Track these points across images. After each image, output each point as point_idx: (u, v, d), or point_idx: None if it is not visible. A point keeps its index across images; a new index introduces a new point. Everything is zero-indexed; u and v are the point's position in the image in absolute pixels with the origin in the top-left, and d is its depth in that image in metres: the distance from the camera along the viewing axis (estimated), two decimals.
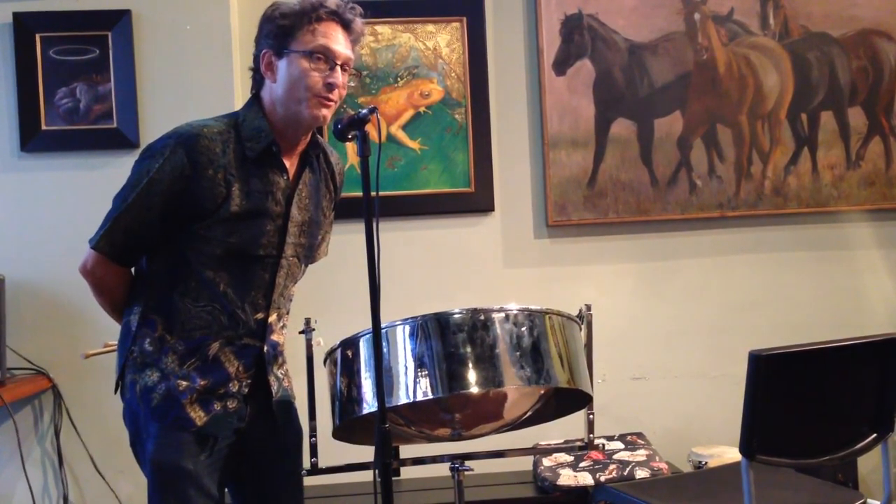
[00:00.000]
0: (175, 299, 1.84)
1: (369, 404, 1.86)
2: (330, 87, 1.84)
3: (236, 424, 1.90)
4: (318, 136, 1.98)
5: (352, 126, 1.75)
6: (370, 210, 1.69)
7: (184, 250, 1.84)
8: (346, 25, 1.88)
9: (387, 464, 1.65)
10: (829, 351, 2.02)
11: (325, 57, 1.84)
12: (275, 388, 1.95)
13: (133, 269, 1.93)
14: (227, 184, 1.81)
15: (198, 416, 1.84)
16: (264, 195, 1.86)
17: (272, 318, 1.93)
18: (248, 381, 1.90)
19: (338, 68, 1.85)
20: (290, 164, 1.92)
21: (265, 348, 1.92)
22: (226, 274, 1.85)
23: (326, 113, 1.86)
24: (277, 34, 1.85)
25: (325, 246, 2.10)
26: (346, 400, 1.93)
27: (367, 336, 1.88)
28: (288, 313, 2.01)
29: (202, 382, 1.84)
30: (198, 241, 1.83)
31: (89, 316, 2.98)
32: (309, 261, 2.03)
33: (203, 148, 1.80)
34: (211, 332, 1.85)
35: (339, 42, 1.86)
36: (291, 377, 2.09)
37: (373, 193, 1.70)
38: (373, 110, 1.73)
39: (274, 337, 1.95)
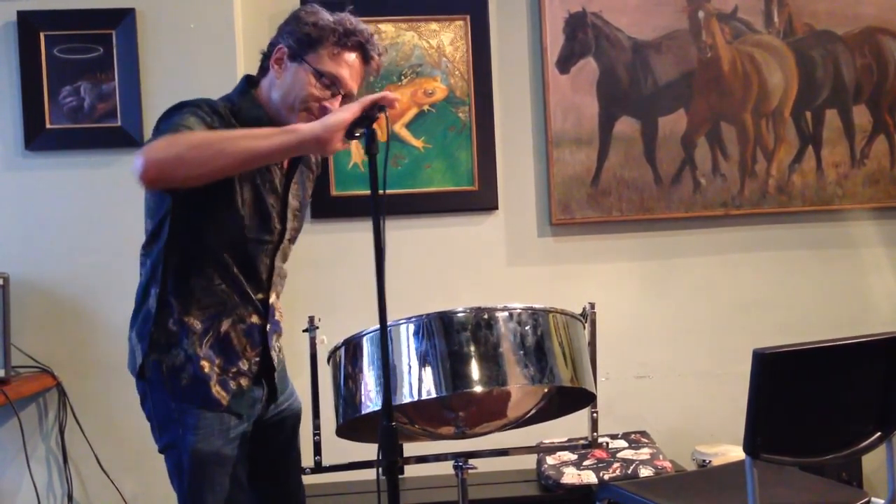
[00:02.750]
0: (191, 280, 1.86)
1: (372, 403, 1.86)
2: (324, 110, 1.85)
3: (256, 408, 1.94)
4: None
5: (360, 123, 1.74)
6: (378, 208, 1.68)
7: (204, 234, 1.84)
8: (367, 61, 1.90)
9: (393, 462, 1.65)
10: (833, 349, 2.02)
11: (333, 83, 1.86)
12: (275, 361, 2.00)
13: (149, 255, 1.91)
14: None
15: (221, 396, 1.87)
16: (264, 184, 1.89)
17: (272, 298, 1.97)
18: (257, 360, 1.94)
19: (339, 97, 1.87)
20: None
21: (268, 327, 1.95)
22: (238, 257, 1.88)
23: None
24: (301, 39, 1.86)
25: None
26: (349, 398, 1.93)
27: (370, 335, 1.88)
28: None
29: (218, 361, 1.87)
30: (216, 225, 1.84)
31: (94, 314, 2.99)
32: (295, 242, 2.07)
33: (222, 119, 1.82)
34: (224, 308, 1.88)
35: (352, 74, 1.88)
36: (294, 375, 2.13)
37: (380, 192, 1.69)
38: (382, 108, 1.72)
39: (276, 317, 1.99)
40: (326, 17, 1.87)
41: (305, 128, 1.70)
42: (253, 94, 1.92)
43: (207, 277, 1.86)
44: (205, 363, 1.86)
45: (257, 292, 1.93)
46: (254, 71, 1.98)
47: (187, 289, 1.86)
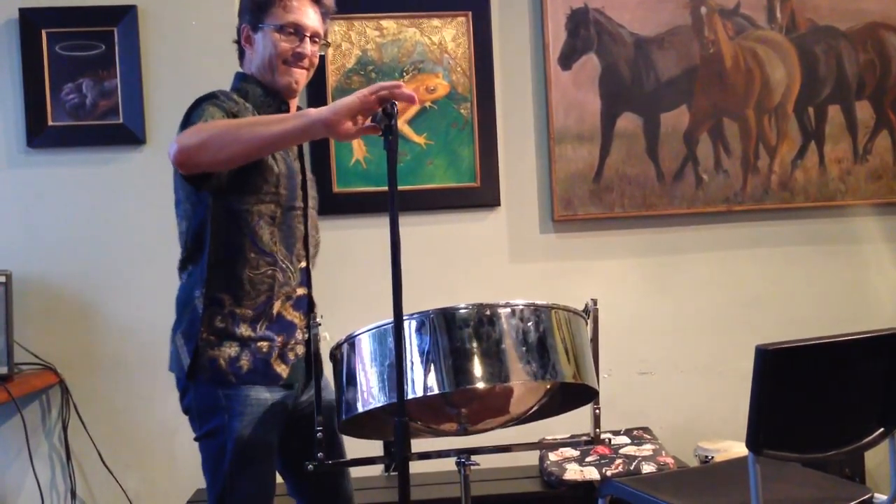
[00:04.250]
0: (238, 273, 1.93)
1: (375, 399, 1.86)
2: (299, 55, 1.99)
3: (300, 380, 2.04)
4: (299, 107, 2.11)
5: (375, 116, 1.74)
6: (394, 201, 1.68)
7: (245, 213, 1.92)
8: (317, 1, 2.03)
9: (405, 457, 1.65)
10: (835, 345, 2.02)
11: (296, 30, 1.99)
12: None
13: (191, 260, 1.97)
14: None
15: (281, 369, 1.98)
16: (286, 151, 2.00)
17: (311, 266, 2.08)
18: (307, 328, 2.03)
19: (307, 39, 2.00)
20: None
21: (312, 294, 2.07)
22: (277, 230, 1.97)
23: (298, 79, 2.02)
24: (253, 10, 2.01)
25: None
26: (352, 395, 1.93)
27: (373, 331, 1.88)
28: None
29: (279, 339, 1.97)
30: (255, 198, 1.92)
31: (97, 311, 2.99)
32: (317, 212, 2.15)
33: (236, 104, 1.95)
34: (273, 292, 1.97)
35: (308, 16, 2.01)
36: None
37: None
38: (392, 106, 1.72)
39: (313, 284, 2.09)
40: None
41: (314, 112, 1.78)
42: (249, 77, 2.05)
43: (253, 266, 1.94)
44: (263, 344, 1.95)
45: (300, 261, 2.02)
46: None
47: (237, 282, 1.93)
